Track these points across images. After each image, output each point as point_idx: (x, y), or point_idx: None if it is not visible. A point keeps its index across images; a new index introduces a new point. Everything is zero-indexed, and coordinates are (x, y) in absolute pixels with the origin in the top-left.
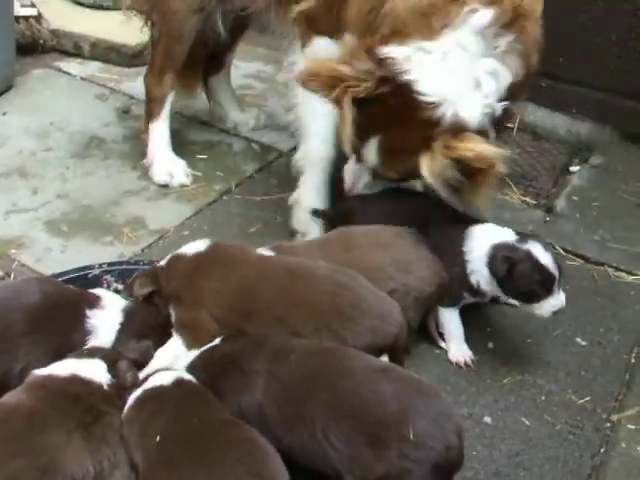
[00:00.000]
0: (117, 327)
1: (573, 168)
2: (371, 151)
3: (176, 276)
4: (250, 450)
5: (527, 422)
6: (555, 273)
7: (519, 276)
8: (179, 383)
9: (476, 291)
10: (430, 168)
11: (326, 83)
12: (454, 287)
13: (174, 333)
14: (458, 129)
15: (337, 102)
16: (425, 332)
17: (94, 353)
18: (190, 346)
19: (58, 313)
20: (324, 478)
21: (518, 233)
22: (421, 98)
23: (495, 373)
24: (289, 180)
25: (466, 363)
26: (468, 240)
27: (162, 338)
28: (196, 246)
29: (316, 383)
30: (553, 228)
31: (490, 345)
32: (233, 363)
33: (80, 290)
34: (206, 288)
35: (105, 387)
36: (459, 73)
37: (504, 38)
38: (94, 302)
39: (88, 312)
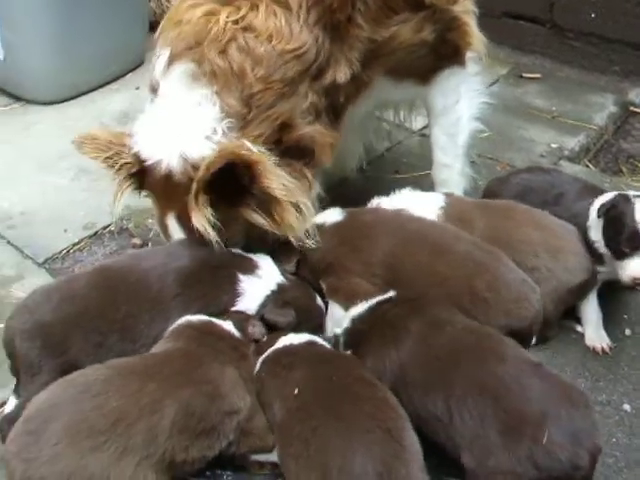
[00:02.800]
0: (266, 295)
1: None
2: (175, 226)
3: (320, 246)
4: (382, 408)
5: None
6: None
7: (611, 221)
8: (311, 343)
9: (598, 254)
10: (197, 222)
11: (101, 149)
12: None
13: (329, 301)
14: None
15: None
16: (563, 316)
17: (224, 315)
18: (347, 307)
19: (207, 275)
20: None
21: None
22: (150, 165)
23: (633, 360)
24: (419, 159)
25: (603, 349)
26: (593, 206)
27: (306, 319)
28: (332, 216)
29: (466, 357)
30: None
31: (627, 332)
32: (389, 320)
33: (236, 254)
34: (354, 260)
35: (237, 335)
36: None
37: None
38: (249, 268)
39: (241, 276)
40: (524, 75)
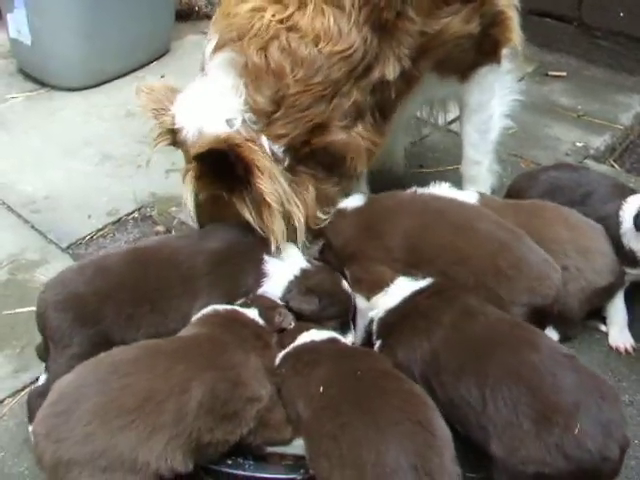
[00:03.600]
0: (289, 280)
1: None
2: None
3: (342, 233)
4: (411, 400)
5: None
6: None
7: None
8: (332, 340)
9: (631, 258)
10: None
11: (155, 105)
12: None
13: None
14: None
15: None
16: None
17: (249, 303)
18: (370, 297)
19: (235, 258)
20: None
21: None
22: (176, 129)
23: None
24: (444, 154)
25: (626, 350)
26: (625, 206)
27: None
28: (353, 201)
29: (500, 345)
30: None
31: None
32: (421, 311)
33: (262, 238)
34: (376, 247)
35: (261, 324)
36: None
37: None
38: (276, 250)
39: (266, 258)
40: (550, 73)
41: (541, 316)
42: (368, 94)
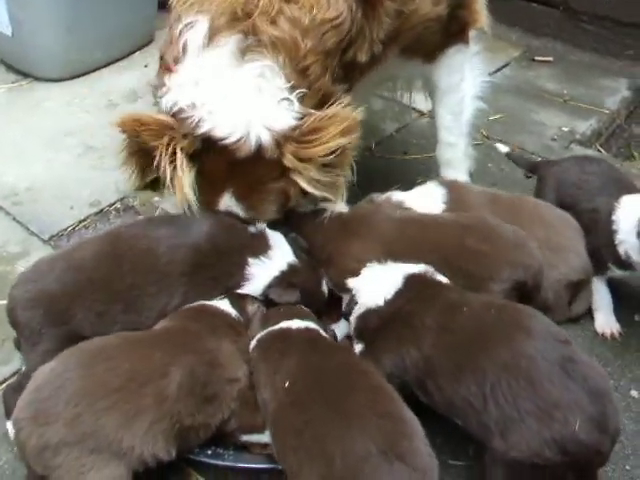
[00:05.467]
0: (274, 276)
1: None
2: (231, 203)
3: (323, 235)
4: (378, 395)
5: None
6: None
7: None
8: (307, 329)
9: (624, 262)
10: (305, 183)
11: (155, 134)
12: (599, 255)
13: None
14: (283, 138)
15: (169, 155)
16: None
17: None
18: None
19: (219, 259)
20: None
21: None
22: (230, 142)
23: None
24: (428, 140)
25: (612, 335)
26: (618, 209)
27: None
28: (337, 207)
29: (492, 337)
30: None
31: (637, 318)
32: (403, 319)
33: (250, 234)
34: (353, 253)
35: (233, 316)
36: (238, 94)
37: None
38: (260, 250)
39: (250, 260)
40: (536, 58)
41: (525, 298)
42: (341, 70)
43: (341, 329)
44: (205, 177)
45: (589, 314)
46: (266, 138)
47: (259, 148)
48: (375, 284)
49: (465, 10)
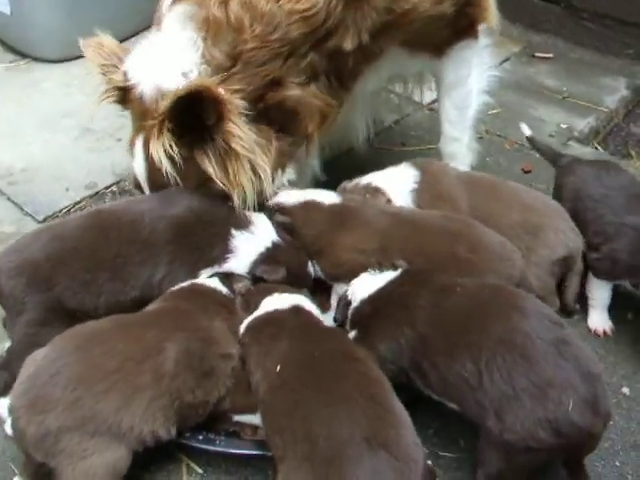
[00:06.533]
0: (258, 253)
1: None
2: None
3: (314, 226)
4: (365, 379)
5: None
6: None
7: None
8: (296, 310)
9: None
10: (153, 149)
11: (105, 61)
12: (619, 268)
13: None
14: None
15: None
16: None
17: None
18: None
19: (202, 228)
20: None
21: None
22: (129, 85)
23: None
24: (427, 132)
25: (605, 332)
26: None
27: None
28: (330, 197)
29: (487, 313)
30: None
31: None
32: (396, 300)
33: (232, 209)
34: (347, 243)
35: (224, 293)
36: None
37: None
38: (243, 224)
39: (234, 232)
40: (536, 54)
41: None
42: (324, 58)
43: (332, 317)
44: (131, 117)
45: (582, 310)
46: (148, 92)
47: (141, 98)
48: (368, 278)
49: (474, 7)
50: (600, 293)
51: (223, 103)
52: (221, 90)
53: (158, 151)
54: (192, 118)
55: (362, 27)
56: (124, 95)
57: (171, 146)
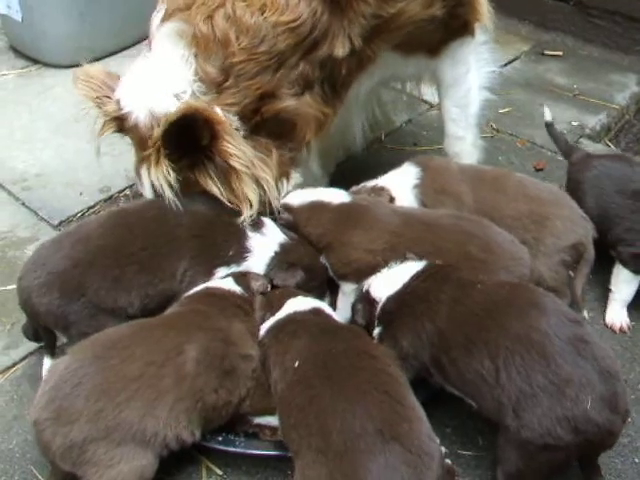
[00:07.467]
0: (271, 255)
1: None
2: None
3: (318, 225)
4: (381, 375)
5: None
6: None
7: None
8: (316, 311)
9: None
10: (154, 177)
11: (96, 93)
12: None
13: (337, 281)
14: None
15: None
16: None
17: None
18: (358, 282)
19: (222, 226)
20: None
21: None
22: (124, 114)
23: None
24: (438, 132)
25: (621, 329)
26: None
27: (312, 277)
28: (339, 197)
29: (505, 311)
30: None
31: None
32: (419, 296)
33: None
34: (356, 242)
35: (239, 294)
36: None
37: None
38: (257, 225)
39: (250, 233)
40: (546, 52)
41: None
42: (317, 68)
43: (341, 315)
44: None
45: (599, 307)
46: (143, 118)
47: (136, 125)
48: (391, 275)
49: (465, 7)
50: (626, 288)
51: (215, 123)
52: (212, 109)
53: (159, 179)
54: (187, 141)
55: (351, 33)
56: (121, 124)
57: (169, 172)
